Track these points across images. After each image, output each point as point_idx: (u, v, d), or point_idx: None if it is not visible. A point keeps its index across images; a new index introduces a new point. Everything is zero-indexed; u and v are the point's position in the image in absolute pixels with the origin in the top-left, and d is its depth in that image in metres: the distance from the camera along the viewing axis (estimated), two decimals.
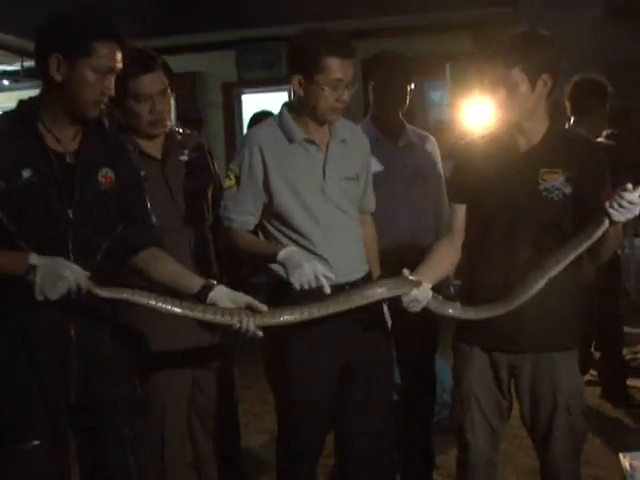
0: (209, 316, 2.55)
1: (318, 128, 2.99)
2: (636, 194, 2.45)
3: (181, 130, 3.25)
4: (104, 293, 2.41)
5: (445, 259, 2.97)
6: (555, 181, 2.78)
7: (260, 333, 2.59)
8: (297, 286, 2.72)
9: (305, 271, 2.71)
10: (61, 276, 2.32)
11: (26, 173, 2.43)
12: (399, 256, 3.05)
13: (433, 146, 3.94)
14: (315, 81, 2.87)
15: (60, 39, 2.44)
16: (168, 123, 3.11)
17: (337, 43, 2.89)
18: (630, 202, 2.45)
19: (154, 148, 3.09)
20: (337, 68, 2.86)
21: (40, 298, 2.32)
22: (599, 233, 2.57)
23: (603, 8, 10.03)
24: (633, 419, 4.81)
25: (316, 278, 2.71)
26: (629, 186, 2.46)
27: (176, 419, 3.13)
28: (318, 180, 2.97)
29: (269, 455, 4.42)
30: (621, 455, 2.87)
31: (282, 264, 2.78)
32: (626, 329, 5.87)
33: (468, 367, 2.94)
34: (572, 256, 2.66)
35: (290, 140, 2.95)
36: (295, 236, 2.95)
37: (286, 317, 2.65)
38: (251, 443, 4.69)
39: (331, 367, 2.99)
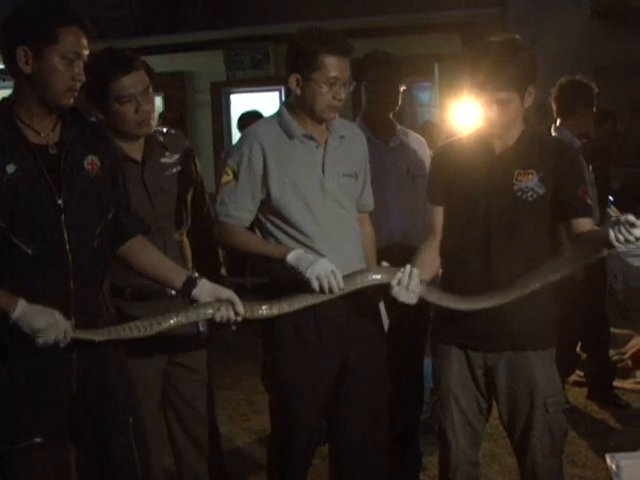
0: (183, 319, 2.58)
1: (316, 125, 3.00)
2: (638, 230, 2.47)
3: (165, 130, 3.24)
4: (81, 335, 2.40)
5: (431, 261, 2.98)
6: (529, 181, 2.82)
7: (239, 318, 2.61)
8: (314, 281, 2.71)
9: (322, 265, 2.72)
10: (51, 315, 2.31)
11: (10, 168, 2.41)
12: (390, 256, 3.04)
13: (423, 147, 3.95)
14: (312, 79, 2.89)
15: (24, 31, 2.42)
16: (153, 123, 3.09)
17: (334, 42, 2.90)
18: (637, 238, 2.47)
19: (135, 150, 3.07)
20: (334, 66, 2.88)
21: (40, 341, 2.31)
22: (598, 257, 2.66)
23: (590, 11, 10.08)
24: (619, 420, 4.82)
25: (332, 272, 2.71)
26: (634, 220, 2.46)
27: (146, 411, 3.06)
28: (318, 175, 2.97)
29: (256, 455, 4.44)
30: (608, 456, 2.87)
31: (293, 266, 2.77)
32: (613, 330, 5.90)
33: (446, 366, 2.96)
34: (568, 269, 2.73)
35: (290, 136, 2.96)
36: (293, 232, 2.94)
37: (265, 311, 2.68)
38: (237, 443, 4.68)
39: (327, 368, 2.98)
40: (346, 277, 2.76)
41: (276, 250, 2.89)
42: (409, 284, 2.71)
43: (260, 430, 4.68)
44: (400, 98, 3.83)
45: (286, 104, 3.04)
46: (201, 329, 3.14)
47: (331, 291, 2.72)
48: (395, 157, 3.81)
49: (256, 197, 2.95)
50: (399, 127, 3.90)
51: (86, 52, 2.48)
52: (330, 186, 2.97)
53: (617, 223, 2.47)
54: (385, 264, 2.82)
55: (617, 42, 9.76)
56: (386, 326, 3.14)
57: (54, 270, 2.45)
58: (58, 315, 2.33)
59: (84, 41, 2.47)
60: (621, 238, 2.47)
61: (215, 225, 3.02)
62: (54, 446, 2.52)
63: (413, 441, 3.99)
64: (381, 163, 3.69)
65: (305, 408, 2.96)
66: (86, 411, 2.58)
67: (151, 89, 3.04)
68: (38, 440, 2.47)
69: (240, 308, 2.60)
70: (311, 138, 2.97)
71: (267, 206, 2.96)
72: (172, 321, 2.57)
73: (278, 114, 3.02)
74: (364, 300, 3.01)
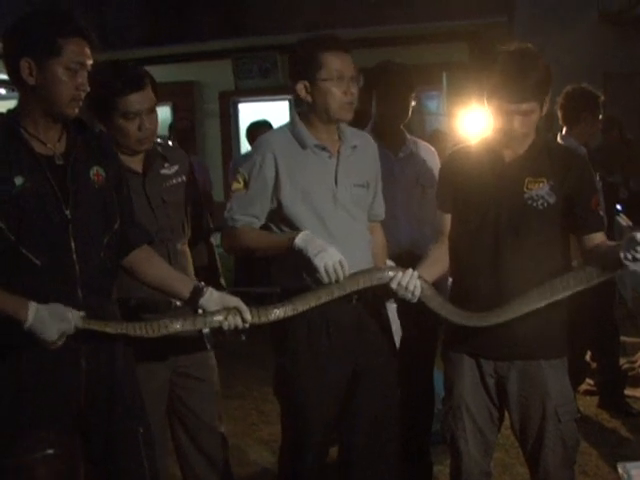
0: (190, 326, 2.60)
1: (330, 134, 3.01)
2: None
3: (162, 142, 3.24)
4: (92, 325, 2.42)
5: (440, 260, 2.98)
6: (540, 190, 2.82)
7: (247, 325, 2.61)
8: (322, 269, 2.71)
9: (330, 254, 2.72)
10: (62, 320, 2.34)
11: (18, 180, 2.42)
12: (399, 264, 3.04)
13: (433, 156, 3.95)
14: (318, 80, 2.91)
15: (27, 43, 2.44)
16: (153, 139, 3.10)
17: (330, 40, 2.96)
18: None
19: (135, 162, 3.08)
20: (335, 61, 2.91)
21: (52, 346, 2.34)
22: (610, 275, 2.67)
23: (598, 18, 10.08)
24: (631, 429, 4.80)
25: (340, 262, 2.71)
26: None
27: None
28: (330, 186, 2.98)
29: (267, 465, 4.43)
30: (619, 465, 2.86)
31: (301, 249, 2.77)
32: (623, 338, 5.88)
33: (458, 376, 2.95)
34: (580, 287, 2.73)
35: (302, 146, 2.97)
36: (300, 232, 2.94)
37: (272, 315, 2.68)
38: (248, 453, 4.67)
39: (338, 376, 2.98)
40: (348, 276, 2.76)
41: (283, 236, 2.90)
42: (408, 284, 2.72)
43: (270, 440, 4.67)
44: (411, 109, 3.83)
45: (299, 113, 3.05)
46: (205, 332, 3.14)
47: (337, 281, 2.71)
48: (404, 167, 3.80)
49: (265, 205, 2.96)
50: (409, 137, 3.90)
51: (90, 62, 2.49)
52: (342, 196, 2.97)
53: (630, 242, 2.51)
54: (389, 263, 2.82)
55: (625, 49, 9.76)
56: (398, 338, 3.14)
57: (62, 280, 2.45)
58: (69, 314, 2.35)
59: (87, 51, 2.48)
60: (629, 256, 2.53)
61: (223, 231, 3.03)
62: (63, 457, 2.52)
63: (424, 451, 3.97)
64: (390, 173, 3.68)
65: (316, 416, 2.96)
66: (95, 421, 2.58)
67: (155, 107, 3.05)
68: (49, 452, 2.47)
69: (247, 315, 2.61)
70: (324, 149, 2.97)
71: (278, 215, 2.96)
72: (179, 326, 2.57)
73: (291, 123, 3.03)
74: (375, 310, 3.02)
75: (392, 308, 3.15)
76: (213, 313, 2.60)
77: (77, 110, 2.50)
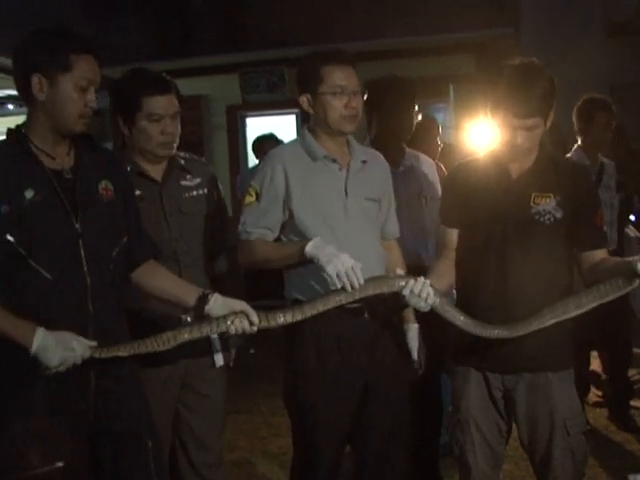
0: (197, 333, 2.58)
1: (338, 147, 3.03)
2: None
3: (187, 155, 3.26)
4: (104, 354, 2.43)
5: (446, 274, 2.98)
6: (547, 205, 2.82)
7: (255, 328, 2.60)
8: (334, 276, 2.69)
9: (342, 259, 2.70)
10: (66, 348, 2.35)
11: (28, 194, 2.44)
12: None
13: (431, 167, 3.95)
14: (319, 93, 2.94)
15: (38, 59, 2.46)
16: (175, 147, 3.13)
17: (332, 53, 2.98)
18: None
19: (156, 171, 3.10)
20: (335, 74, 2.93)
21: (47, 372, 2.35)
22: (628, 289, 2.63)
23: (604, 29, 10.08)
24: None
25: (352, 268, 2.69)
26: None
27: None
28: (340, 197, 2.99)
29: (275, 478, 4.42)
30: (630, 477, 2.85)
31: (312, 256, 2.77)
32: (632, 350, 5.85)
33: (465, 389, 2.94)
34: (595, 304, 2.71)
35: (313, 158, 2.99)
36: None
37: (280, 319, 2.67)
38: (257, 466, 4.67)
39: (349, 391, 2.97)
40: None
41: (294, 246, 2.90)
42: (421, 291, 2.70)
43: (280, 453, 4.67)
44: (414, 123, 3.83)
45: (308, 127, 3.07)
46: (216, 354, 3.13)
47: (352, 287, 2.68)
48: (406, 180, 3.80)
49: (277, 217, 2.98)
50: (408, 150, 3.90)
51: (98, 79, 2.51)
52: (352, 207, 2.98)
53: None
54: (399, 271, 2.81)
55: (632, 60, 9.75)
56: (415, 351, 3.12)
57: (73, 294, 2.46)
58: (76, 344, 2.36)
59: (97, 68, 2.51)
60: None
61: (238, 244, 3.04)
62: (73, 470, 2.51)
63: (433, 464, 3.96)
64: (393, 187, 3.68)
65: (326, 432, 2.95)
66: (103, 435, 2.58)
67: (179, 116, 3.08)
68: (59, 465, 2.47)
69: (254, 318, 2.60)
70: (334, 160, 2.98)
71: (289, 227, 2.98)
72: (187, 335, 2.57)
73: (301, 137, 3.06)
74: (387, 324, 3.02)
75: (414, 328, 3.13)
76: (219, 318, 2.59)
77: (85, 127, 2.52)
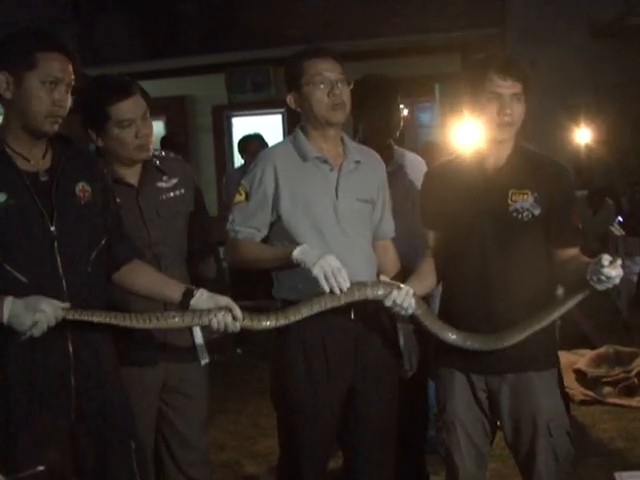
0: (179, 321, 2.58)
1: (331, 146, 3.02)
2: (613, 271, 2.53)
3: (163, 154, 3.22)
4: (77, 316, 2.42)
5: (429, 274, 2.98)
6: (524, 202, 2.82)
7: (238, 325, 2.59)
8: (321, 277, 2.68)
9: (328, 260, 2.70)
10: (35, 310, 2.33)
11: (1, 197, 2.42)
12: (392, 279, 3.03)
13: (422, 167, 3.91)
14: (302, 86, 2.94)
15: (4, 57, 2.46)
16: (152, 147, 3.10)
17: (312, 49, 3.01)
18: (608, 277, 2.55)
19: (131, 175, 3.06)
20: (315, 65, 2.94)
21: (23, 337, 2.34)
22: (582, 297, 2.71)
23: (588, 29, 10.13)
24: (628, 438, 4.79)
25: (338, 269, 2.69)
26: (605, 261, 2.53)
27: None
28: (331, 199, 2.97)
29: (262, 479, 4.42)
30: (616, 475, 2.86)
31: (299, 261, 2.76)
32: (618, 347, 5.88)
33: (450, 391, 2.94)
34: (557, 315, 2.78)
35: (304, 158, 2.98)
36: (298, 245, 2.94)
37: (268, 322, 2.67)
38: (245, 467, 4.66)
39: (335, 395, 2.95)
40: (334, 294, 2.74)
41: (281, 249, 2.89)
42: (403, 302, 2.71)
43: (267, 454, 4.66)
44: (402, 121, 3.82)
45: (301, 127, 3.06)
46: (197, 342, 3.12)
47: (340, 290, 2.69)
48: (393, 182, 3.75)
49: (266, 218, 2.97)
50: (396, 148, 3.87)
51: (70, 78, 2.49)
52: (343, 210, 2.97)
53: (595, 265, 2.55)
54: (384, 278, 2.82)
55: (616, 59, 9.80)
56: (415, 358, 3.11)
57: (49, 297, 2.42)
58: (44, 304, 2.34)
59: (66, 67, 2.48)
60: (594, 278, 2.57)
61: (226, 243, 3.04)
62: (55, 474, 2.49)
63: (420, 462, 3.96)
64: None
65: (313, 432, 2.94)
66: (85, 437, 2.56)
67: (148, 113, 3.05)
68: (41, 469, 2.45)
69: (238, 313, 2.58)
70: (325, 161, 2.97)
71: (278, 228, 2.97)
72: (169, 320, 2.56)
73: (294, 136, 3.04)
74: (374, 324, 3.00)
75: (408, 329, 3.11)
76: (203, 311, 2.58)
77: (56, 127, 2.50)
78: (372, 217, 3.09)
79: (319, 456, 3.00)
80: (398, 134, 3.86)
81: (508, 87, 2.77)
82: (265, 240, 3.02)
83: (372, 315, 2.96)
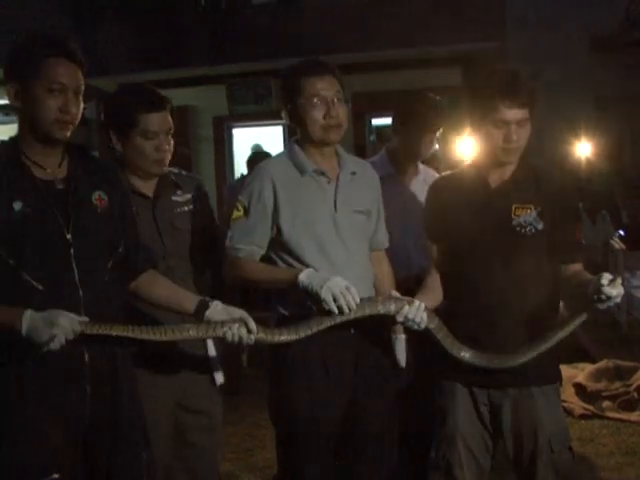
0: (193, 333, 2.58)
1: (327, 159, 3.00)
2: (613, 290, 2.55)
3: (177, 170, 3.24)
4: (95, 330, 2.41)
5: (437, 287, 2.98)
6: (527, 216, 2.82)
7: (252, 338, 2.59)
8: (330, 300, 2.67)
9: (335, 282, 2.69)
10: (53, 324, 2.32)
11: (17, 205, 2.43)
12: (410, 290, 3.02)
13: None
14: (298, 104, 2.92)
15: (11, 67, 2.48)
16: (166, 164, 3.11)
17: (310, 64, 2.97)
18: (608, 296, 2.55)
19: (147, 187, 3.09)
20: (313, 85, 2.91)
21: (43, 349, 2.33)
22: (584, 319, 2.73)
23: (589, 43, 10.14)
24: (627, 452, 4.78)
25: (347, 288, 2.69)
26: (604, 280, 2.54)
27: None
28: (330, 211, 2.96)
29: None
30: None
31: (305, 285, 2.74)
32: (618, 362, 5.86)
33: (452, 405, 2.93)
34: (563, 334, 2.77)
35: (301, 172, 2.96)
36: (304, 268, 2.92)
37: (283, 336, 2.68)
38: (241, 479, 4.64)
39: (335, 407, 2.94)
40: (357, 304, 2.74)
41: (286, 272, 2.88)
42: (415, 317, 2.71)
43: (265, 467, 4.64)
44: (433, 145, 3.84)
45: (296, 140, 3.04)
46: (210, 354, 3.12)
47: (349, 309, 2.68)
48: (416, 197, 3.77)
49: (265, 233, 2.94)
50: (421, 166, 3.91)
51: (78, 84, 2.50)
52: (342, 222, 2.95)
53: (596, 283, 2.56)
54: (394, 294, 2.81)
55: (617, 73, 9.81)
56: (403, 361, 3.11)
57: (65, 305, 2.42)
58: (62, 319, 2.32)
59: (74, 74, 2.49)
60: (595, 297, 2.58)
61: (225, 260, 3.01)
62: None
63: (422, 475, 3.94)
64: (402, 203, 3.68)
65: (312, 447, 2.93)
66: (98, 446, 2.56)
67: (172, 132, 3.07)
68: (54, 477, 2.46)
69: (253, 325, 2.59)
70: (322, 174, 2.96)
71: (278, 243, 2.95)
72: (184, 333, 2.56)
73: (289, 150, 3.02)
74: (374, 339, 2.99)
75: (401, 339, 3.12)
76: (217, 323, 2.59)
77: (67, 133, 2.50)
78: (368, 228, 3.08)
79: (317, 471, 2.97)
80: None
81: (514, 114, 2.76)
82: (264, 258, 2.99)
83: (372, 329, 2.95)
